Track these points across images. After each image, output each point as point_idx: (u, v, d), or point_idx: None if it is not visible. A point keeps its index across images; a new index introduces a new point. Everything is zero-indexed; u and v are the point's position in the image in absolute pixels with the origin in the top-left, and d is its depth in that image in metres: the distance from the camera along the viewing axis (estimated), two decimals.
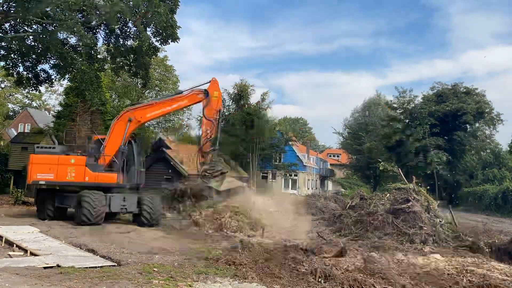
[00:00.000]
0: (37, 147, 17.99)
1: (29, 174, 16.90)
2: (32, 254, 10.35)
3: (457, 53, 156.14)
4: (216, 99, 17.57)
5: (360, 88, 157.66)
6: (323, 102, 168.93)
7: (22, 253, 10.58)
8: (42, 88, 41.51)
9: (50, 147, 18.09)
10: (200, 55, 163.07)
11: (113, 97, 43.69)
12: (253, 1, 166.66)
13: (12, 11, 20.59)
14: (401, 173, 20.86)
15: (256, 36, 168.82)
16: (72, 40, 21.68)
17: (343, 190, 67.97)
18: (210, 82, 17.97)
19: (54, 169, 16.67)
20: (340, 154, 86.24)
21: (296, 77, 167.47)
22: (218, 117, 17.53)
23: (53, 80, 25.99)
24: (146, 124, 25.70)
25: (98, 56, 27.39)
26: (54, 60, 23.50)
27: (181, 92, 18.37)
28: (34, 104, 71.10)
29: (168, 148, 32.27)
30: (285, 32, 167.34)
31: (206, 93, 17.49)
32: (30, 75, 25.29)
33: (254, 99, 46.36)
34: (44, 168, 16.71)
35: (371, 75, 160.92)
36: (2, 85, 53.44)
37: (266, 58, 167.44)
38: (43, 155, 17.05)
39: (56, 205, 17.34)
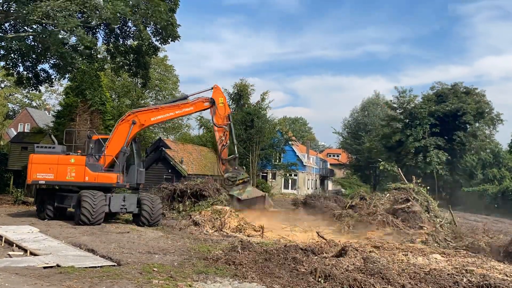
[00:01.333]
0: (37, 146, 17.84)
1: (29, 174, 16.78)
2: (32, 254, 10.35)
3: (474, 59, 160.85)
4: (222, 106, 17.82)
5: (373, 91, 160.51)
6: (335, 105, 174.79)
7: (21, 253, 10.58)
8: (42, 88, 41.51)
9: (50, 147, 17.99)
10: (222, 60, 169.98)
11: (113, 96, 43.69)
12: (286, 12, 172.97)
13: (12, 11, 20.57)
14: (401, 173, 20.87)
15: (284, 43, 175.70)
16: (72, 39, 21.68)
17: (343, 189, 67.99)
18: (212, 89, 18.05)
19: (54, 169, 16.61)
20: (340, 154, 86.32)
21: (310, 80, 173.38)
22: (229, 122, 17.79)
23: (53, 80, 25.97)
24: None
25: (98, 55, 27.39)
26: (54, 60, 23.48)
27: (186, 97, 18.47)
28: (34, 103, 71.15)
29: (168, 147, 32.32)
30: (313, 39, 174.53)
31: (212, 101, 17.68)
32: (30, 75, 25.27)
33: (260, 99, 46.55)
34: (44, 168, 16.63)
35: (385, 79, 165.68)
36: (2, 85, 53.46)
37: (286, 63, 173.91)
38: (43, 155, 16.96)
39: (56, 205, 17.31)
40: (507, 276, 9.79)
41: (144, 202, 16.76)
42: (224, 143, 17.62)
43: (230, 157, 17.85)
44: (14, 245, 11.34)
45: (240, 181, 17.68)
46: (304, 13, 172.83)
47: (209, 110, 18.21)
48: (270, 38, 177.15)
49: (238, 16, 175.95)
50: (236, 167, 17.89)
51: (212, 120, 18.09)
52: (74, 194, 16.39)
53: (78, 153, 17.64)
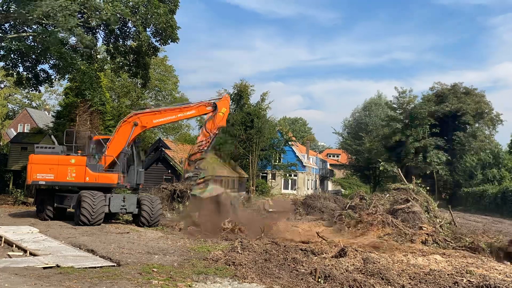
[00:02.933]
0: (37, 147, 17.85)
1: (29, 174, 16.78)
2: (31, 254, 10.35)
3: (492, 64, 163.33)
4: (221, 115, 17.19)
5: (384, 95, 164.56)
6: (347, 107, 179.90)
7: (21, 253, 10.57)
8: (41, 88, 41.47)
9: (50, 147, 18.05)
10: (248, 66, 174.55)
11: (112, 97, 43.70)
12: (321, 24, 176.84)
13: (12, 11, 20.56)
14: (401, 173, 20.86)
15: (314, 51, 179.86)
16: (72, 39, 21.69)
17: (343, 190, 68.00)
18: (222, 97, 17.71)
19: (54, 170, 16.59)
20: (340, 154, 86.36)
21: (326, 84, 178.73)
22: (217, 132, 17.17)
23: (53, 80, 25.97)
24: None
25: (98, 56, 27.40)
26: (54, 60, 23.48)
27: (188, 103, 18.38)
28: (33, 104, 71.11)
29: (168, 148, 32.32)
30: (343, 47, 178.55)
31: (214, 106, 17.20)
32: (30, 75, 25.27)
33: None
34: (44, 168, 16.62)
35: (399, 83, 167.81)
36: (2, 85, 53.44)
37: (310, 69, 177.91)
38: (43, 155, 16.97)
39: (56, 205, 17.32)
40: (507, 276, 9.79)
41: (144, 203, 16.76)
42: (202, 148, 16.93)
43: (197, 161, 17.10)
44: (14, 245, 11.34)
45: (201, 180, 16.97)
46: (338, 25, 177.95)
47: (208, 114, 17.64)
48: (301, 47, 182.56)
49: (272, 28, 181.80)
50: (197, 167, 17.05)
51: (205, 122, 17.54)
52: (74, 195, 16.39)
53: (79, 154, 17.63)
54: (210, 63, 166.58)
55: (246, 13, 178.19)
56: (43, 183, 17.08)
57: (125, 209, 16.71)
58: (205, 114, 18.09)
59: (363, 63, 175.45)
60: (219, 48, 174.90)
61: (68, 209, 17.65)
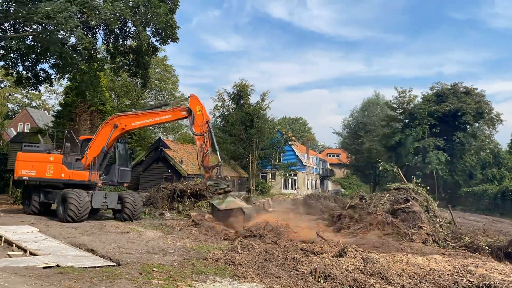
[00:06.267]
0: (24, 145, 19.05)
1: (16, 170, 18.12)
2: (31, 254, 10.35)
3: None
4: (200, 114, 17.66)
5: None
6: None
7: (21, 253, 10.57)
8: (41, 88, 41.38)
9: (35, 146, 19.05)
10: (294, 76, 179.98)
11: (112, 96, 43.71)
12: (383, 43, 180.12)
13: (12, 11, 20.54)
14: (401, 173, 20.85)
15: (371, 64, 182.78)
16: (72, 39, 21.66)
17: (343, 190, 67.99)
18: (189, 100, 18.09)
19: (36, 166, 17.80)
20: (340, 154, 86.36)
21: (359, 92, 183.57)
22: (208, 128, 17.55)
23: (53, 80, 25.97)
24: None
25: (98, 55, 27.37)
26: (54, 60, 23.46)
27: (167, 104, 18.87)
28: (33, 103, 71.10)
29: (168, 147, 32.30)
30: (398, 60, 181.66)
31: (189, 110, 17.71)
32: (29, 75, 25.25)
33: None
34: (28, 165, 17.87)
35: (426, 91, 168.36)
36: (2, 85, 53.39)
37: (359, 80, 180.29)
38: (28, 153, 18.16)
39: (41, 200, 18.18)
40: (507, 276, 9.79)
41: (127, 200, 17.71)
42: (205, 151, 17.32)
43: (213, 165, 17.64)
44: (14, 245, 11.34)
45: (221, 190, 17.28)
46: (399, 43, 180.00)
47: (188, 119, 18.22)
48: (358, 60, 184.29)
49: (333, 46, 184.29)
50: (219, 176, 17.59)
51: (191, 129, 18.06)
52: (59, 191, 17.18)
53: (58, 152, 18.42)
54: (257, 74, 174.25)
55: (314, 35, 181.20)
56: (27, 178, 18.12)
57: (107, 205, 17.61)
58: (181, 118, 18.89)
59: (411, 74, 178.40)
60: (269, 61, 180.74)
61: (53, 204, 18.32)
